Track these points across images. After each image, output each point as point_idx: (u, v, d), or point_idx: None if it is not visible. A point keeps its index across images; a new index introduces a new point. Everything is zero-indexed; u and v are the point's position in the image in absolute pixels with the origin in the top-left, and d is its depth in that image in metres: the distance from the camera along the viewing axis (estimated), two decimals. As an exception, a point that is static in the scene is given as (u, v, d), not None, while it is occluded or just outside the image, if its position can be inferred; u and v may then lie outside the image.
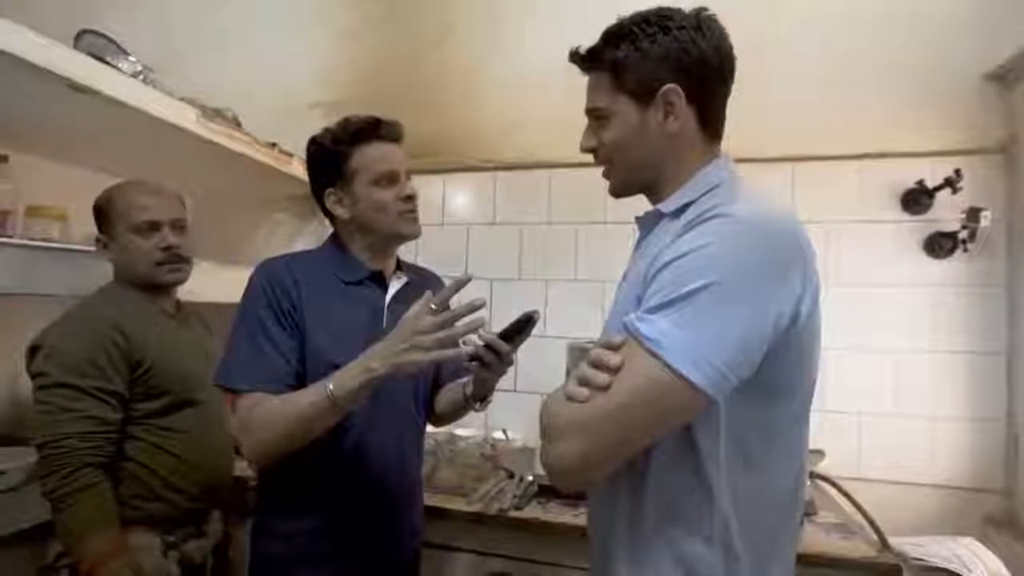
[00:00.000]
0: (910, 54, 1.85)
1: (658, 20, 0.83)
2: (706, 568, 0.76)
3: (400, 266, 1.29)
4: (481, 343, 1.08)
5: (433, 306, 0.96)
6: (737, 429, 0.76)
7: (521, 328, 1.10)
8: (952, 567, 1.41)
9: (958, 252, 1.81)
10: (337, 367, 1.04)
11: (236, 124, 1.81)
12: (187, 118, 1.60)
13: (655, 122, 0.84)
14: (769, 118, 1.93)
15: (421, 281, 1.33)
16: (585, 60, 0.89)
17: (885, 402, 1.84)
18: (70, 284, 1.48)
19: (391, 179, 1.17)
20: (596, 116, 0.89)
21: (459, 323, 0.96)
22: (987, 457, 1.79)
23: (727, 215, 0.73)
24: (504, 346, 1.08)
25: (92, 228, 1.44)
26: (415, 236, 1.22)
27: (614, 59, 0.84)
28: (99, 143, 1.68)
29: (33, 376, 1.24)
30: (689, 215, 0.80)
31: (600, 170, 0.96)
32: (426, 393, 1.30)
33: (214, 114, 1.70)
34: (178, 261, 1.40)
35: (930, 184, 1.82)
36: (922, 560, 1.41)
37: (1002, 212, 1.77)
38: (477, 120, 2.24)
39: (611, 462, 0.75)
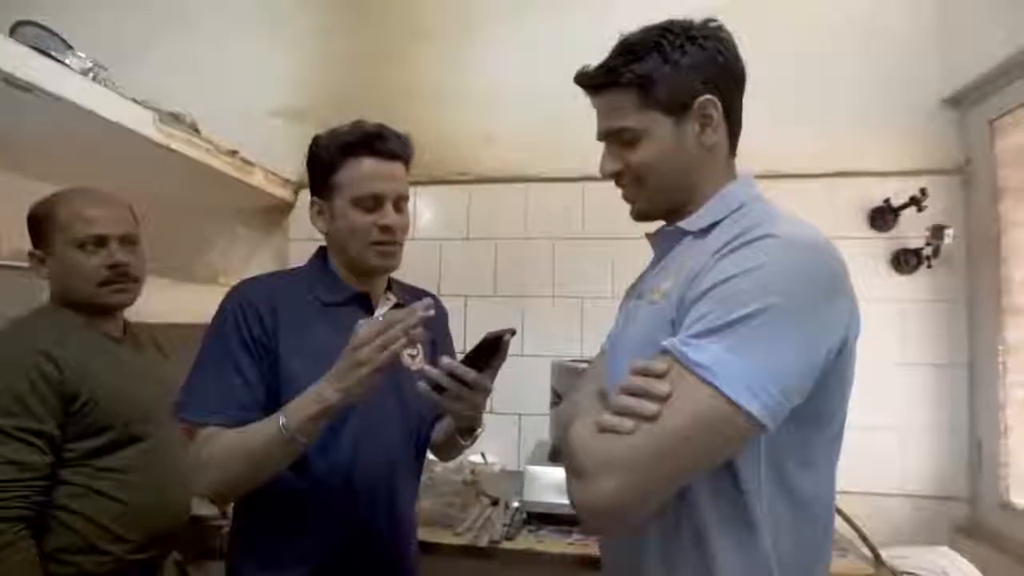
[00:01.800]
0: (877, 78, 1.95)
1: (681, 30, 0.80)
2: None
3: (390, 286, 1.19)
4: (441, 372, 0.93)
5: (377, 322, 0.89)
6: (776, 457, 0.72)
7: (490, 351, 0.95)
8: (938, 579, 1.43)
9: (922, 268, 1.88)
10: None
11: (194, 129, 1.67)
12: (142, 121, 1.46)
13: (691, 136, 0.80)
14: (741, 135, 1.97)
15: (410, 300, 1.24)
16: (599, 79, 0.83)
17: (855, 414, 1.87)
18: (-4, 304, 1.32)
19: (373, 203, 1.05)
20: (622, 138, 0.83)
21: (397, 329, 0.88)
22: (952, 466, 1.86)
23: (775, 235, 0.70)
24: (468, 373, 0.92)
25: (22, 242, 1.28)
26: (388, 270, 1.12)
27: (642, 73, 0.79)
28: (38, 147, 1.51)
29: None
30: (720, 235, 0.76)
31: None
32: (423, 432, 1.19)
33: (171, 118, 1.56)
34: (124, 280, 1.24)
35: (895, 203, 1.88)
36: (911, 573, 1.42)
37: (961, 230, 1.85)
38: (450, 131, 2.17)
39: (655, 499, 0.69)
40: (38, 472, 1.07)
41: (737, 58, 0.83)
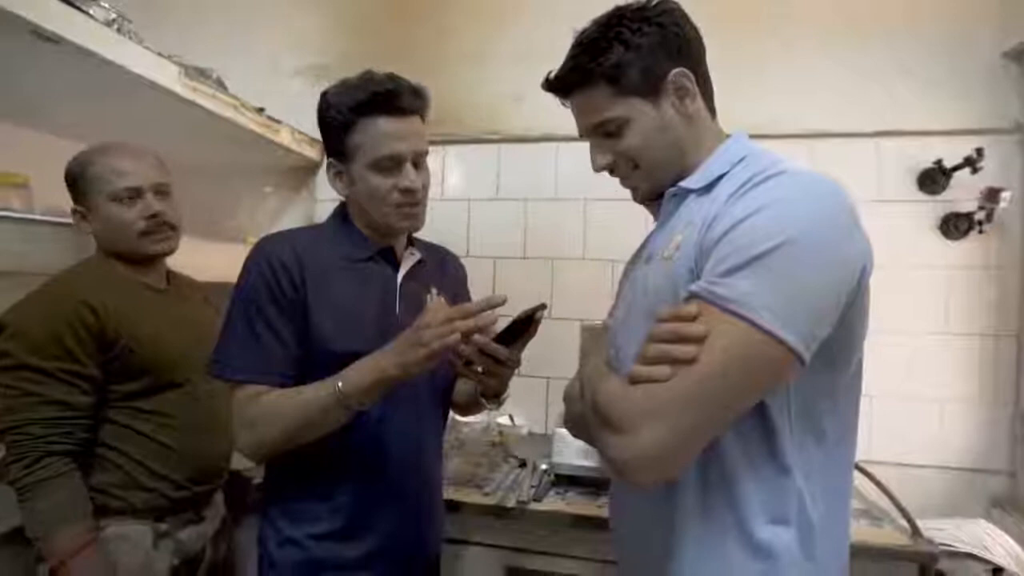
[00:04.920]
0: (930, 31, 1.83)
1: (634, 14, 0.82)
2: (784, 550, 0.72)
3: (412, 241, 1.18)
4: (473, 348, 0.94)
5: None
6: (803, 398, 0.73)
7: (523, 327, 0.96)
8: (977, 552, 1.40)
9: (973, 233, 1.78)
10: (345, 354, 0.95)
11: (221, 86, 1.64)
12: (168, 76, 1.44)
13: (672, 110, 0.83)
14: (787, 94, 1.88)
15: (436, 259, 1.23)
16: (568, 81, 0.85)
17: (896, 384, 1.82)
18: (33, 259, 1.34)
19: (393, 165, 1.02)
20: (606, 130, 0.85)
21: (468, 321, 0.89)
22: (994, 438, 1.80)
23: (786, 173, 0.71)
24: (501, 351, 0.94)
25: (56, 198, 1.29)
26: (412, 231, 1.11)
27: (610, 65, 0.81)
28: (66, 103, 1.50)
29: None
30: (728, 186, 0.76)
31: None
32: (446, 385, 1.20)
33: (197, 73, 1.53)
34: (164, 229, 1.29)
35: (947, 164, 1.78)
36: (949, 545, 1.39)
37: (1017, 193, 1.74)
38: (480, 89, 2.12)
39: (702, 442, 0.69)
40: (82, 411, 1.15)
41: (691, 25, 0.85)
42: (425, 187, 1.06)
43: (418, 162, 1.05)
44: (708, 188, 0.80)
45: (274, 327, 0.99)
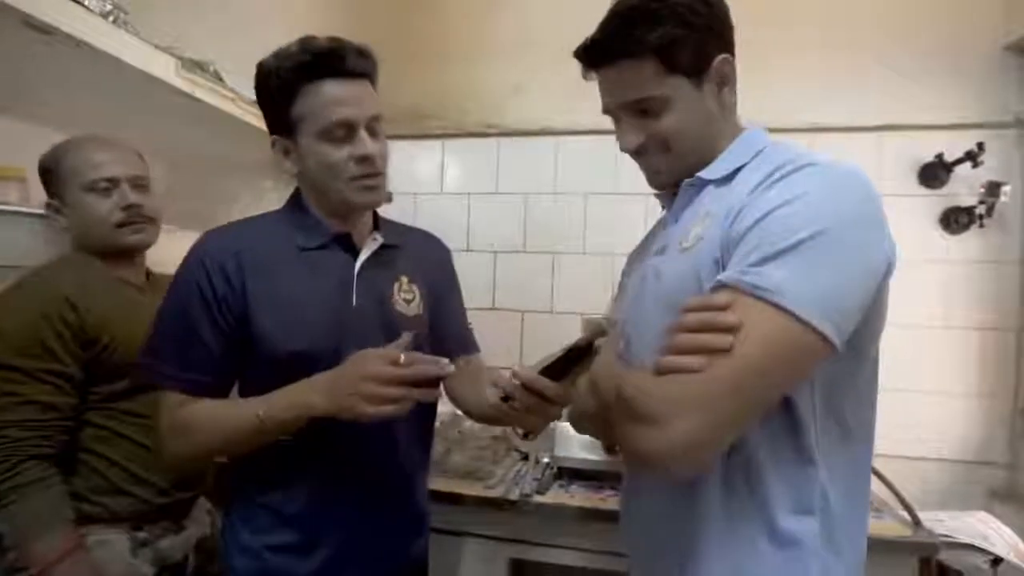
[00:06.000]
0: (931, 25, 1.82)
1: None
2: (807, 540, 0.72)
3: (377, 225, 1.07)
4: (517, 382, 0.80)
5: (402, 358, 0.83)
6: (828, 391, 0.73)
7: (576, 358, 0.79)
8: (977, 543, 1.41)
9: (973, 227, 1.78)
10: (290, 354, 0.91)
11: (218, 78, 1.62)
12: (165, 68, 1.42)
13: (712, 96, 0.80)
14: (788, 88, 1.87)
15: (415, 242, 1.13)
16: (612, 49, 0.79)
17: (896, 377, 1.82)
18: (33, 253, 1.32)
19: (345, 133, 0.92)
20: (644, 107, 0.80)
21: (404, 371, 0.82)
22: (993, 431, 1.81)
23: (816, 164, 0.71)
24: (550, 386, 0.78)
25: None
26: (373, 206, 1.01)
27: (663, 40, 0.76)
28: (61, 95, 1.47)
29: None
30: (750, 176, 0.75)
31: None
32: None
33: (194, 66, 1.52)
34: (141, 221, 1.24)
35: (948, 158, 1.78)
36: (949, 536, 1.40)
37: (1018, 187, 1.75)
38: (479, 82, 2.10)
39: (733, 435, 0.68)
40: (61, 413, 1.10)
41: (730, 15, 0.83)
42: (383, 156, 0.96)
43: (373, 129, 0.95)
44: (727, 179, 0.79)
45: (200, 331, 0.93)
